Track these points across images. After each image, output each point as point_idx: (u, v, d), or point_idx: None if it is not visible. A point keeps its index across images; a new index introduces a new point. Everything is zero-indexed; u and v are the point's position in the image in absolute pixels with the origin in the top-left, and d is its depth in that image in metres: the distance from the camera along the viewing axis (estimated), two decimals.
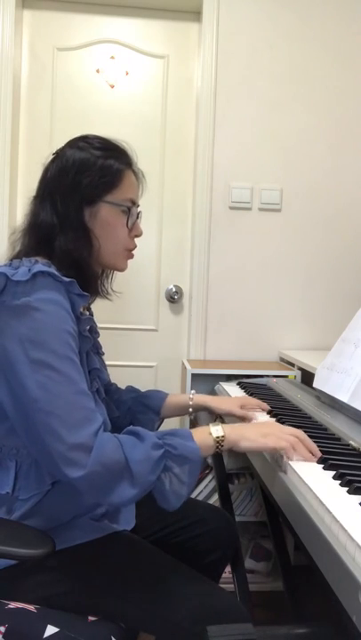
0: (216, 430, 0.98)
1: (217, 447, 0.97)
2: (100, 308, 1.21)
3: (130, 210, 1.07)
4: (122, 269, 1.13)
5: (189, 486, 0.91)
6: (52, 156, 1.07)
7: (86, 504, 1.01)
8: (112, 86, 2.20)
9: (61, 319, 0.92)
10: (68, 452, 0.85)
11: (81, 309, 0.99)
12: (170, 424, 1.57)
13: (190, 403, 1.31)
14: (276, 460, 1.01)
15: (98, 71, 2.19)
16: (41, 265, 0.93)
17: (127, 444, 0.90)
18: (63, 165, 1.03)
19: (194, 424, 1.92)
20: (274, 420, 1.29)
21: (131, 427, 0.96)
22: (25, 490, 0.96)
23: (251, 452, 1.03)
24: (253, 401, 1.38)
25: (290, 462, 0.97)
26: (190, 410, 1.31)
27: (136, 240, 1.12)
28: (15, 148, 2.14)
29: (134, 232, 1.10)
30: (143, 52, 2.20)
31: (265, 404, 1.38)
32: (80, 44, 2.18)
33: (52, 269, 0.93)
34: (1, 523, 0.94)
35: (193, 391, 1.34)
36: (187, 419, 1.94)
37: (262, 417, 1.31)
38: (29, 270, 0.91)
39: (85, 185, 1.02)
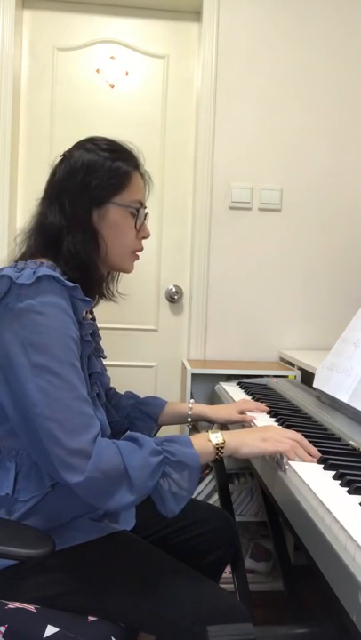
0: (216, 437, 0.98)
1: (217, 454, 0.97)
2: (100, 309, 1.21)
3: (138, 211, 1.07)
4: (128, 271, 1.13)
5: (188, 492, 0.92)
6: (59, 158, 1.07)
7: (86, 504, 1.01)
8: (112, 86, 2.20)
9: (64, 324, 0.92)
10: (67, 457, 0.85)
11: (84, 314, 0.99)
12: (170, 431, 1.57)
13: (189, 412, 1.30)
14: (277, 460, 1.01)
15: (98, 71, 2.19)
16: (46, 268, 0.92)
17: (126, 450, 0.90)
18: (71, 167, 1.03)
19: (197, 429, 1.92)
20: (274, 420, 1.29)
21: (130, 432, 0.96)
22: (25, 491, 0.96)
23: (251, 457, 1.03)
24: (251, 404, 1.37)
25: (290, 462, 0.97)
26: (189, 420, 1.31)
27: (143, 239, 1.12)
28: (15, 148, 2.14)
29: (142, 234, 1.11)
30: (143, 52, 2.20)
31: (263, 404, 1.37)
32: (80, 44, 2.18)
33: (57, 273, 0.93)
34: (1, 523, 0.94)
35: (192, 400, 1.33)
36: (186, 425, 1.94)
37: (262, 418, 1.31)
38: (34, 273, 0.91)
39: (94, 186, 1.02)
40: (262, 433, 1.02)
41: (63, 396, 0.87)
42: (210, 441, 0.97)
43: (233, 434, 1.00)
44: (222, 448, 0.97)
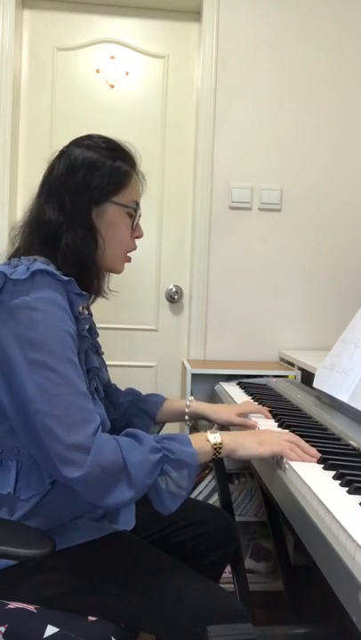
0: (214, 437, 0.98)
1: (214, 454, 0.98)
2: (100, 308, 1.21)
3: (135, 211, 1.08)
4: (119, 272, 1.13)
5: (186, 491, 0.92)
6: (57, 153, 1.07)
7: (86, 504, 1.01)
8: (112, 86, 2.20)
9: (60, 319, 0.91)
10: (65, 452, 0.85)
11: (80, 309, 0.99)
12: (169, 429, 1.56)
13: (186, 410, 1.28)
14: (277, 460, 1.01)
15: (98, 71, 2.19)
16: (40, 264, 0.92)
17: (125, 445, 0.90)
18: (71, 164, 1.03)
19: (197, 429, 1.91)
20: (273, 420, 1.29)
21: (130, 429, 0.96)
22: (26, 490, 0.96)
23: (247, 459, 1.04)
24: (253, 406, 1.34)
25: (290, 462, 0.97)
26: (186, 418, 1.29)
27: (136, 239, 1.12)
28: (15, 148, 2.14)
29: (136, 233, 1.11)
30: (143, 52, 2.20)
31: (265, 409, 1.33)
32: (80, 44, 2.18)
33: (51, 268, 0.93)
34: (1, 523, 0.94)
35: (192, 397, 1.32)
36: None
37: (264, 422, 1.28)
38: (28, 269, 0.91)
39: (95, 185, 1.02)
40: (260, 436, 1.02)
41: (61, 392, 0.87)
42: (208, 441, 0.97)
43: (231, 435, 1.01)
44: (220, 448, 0.97)
